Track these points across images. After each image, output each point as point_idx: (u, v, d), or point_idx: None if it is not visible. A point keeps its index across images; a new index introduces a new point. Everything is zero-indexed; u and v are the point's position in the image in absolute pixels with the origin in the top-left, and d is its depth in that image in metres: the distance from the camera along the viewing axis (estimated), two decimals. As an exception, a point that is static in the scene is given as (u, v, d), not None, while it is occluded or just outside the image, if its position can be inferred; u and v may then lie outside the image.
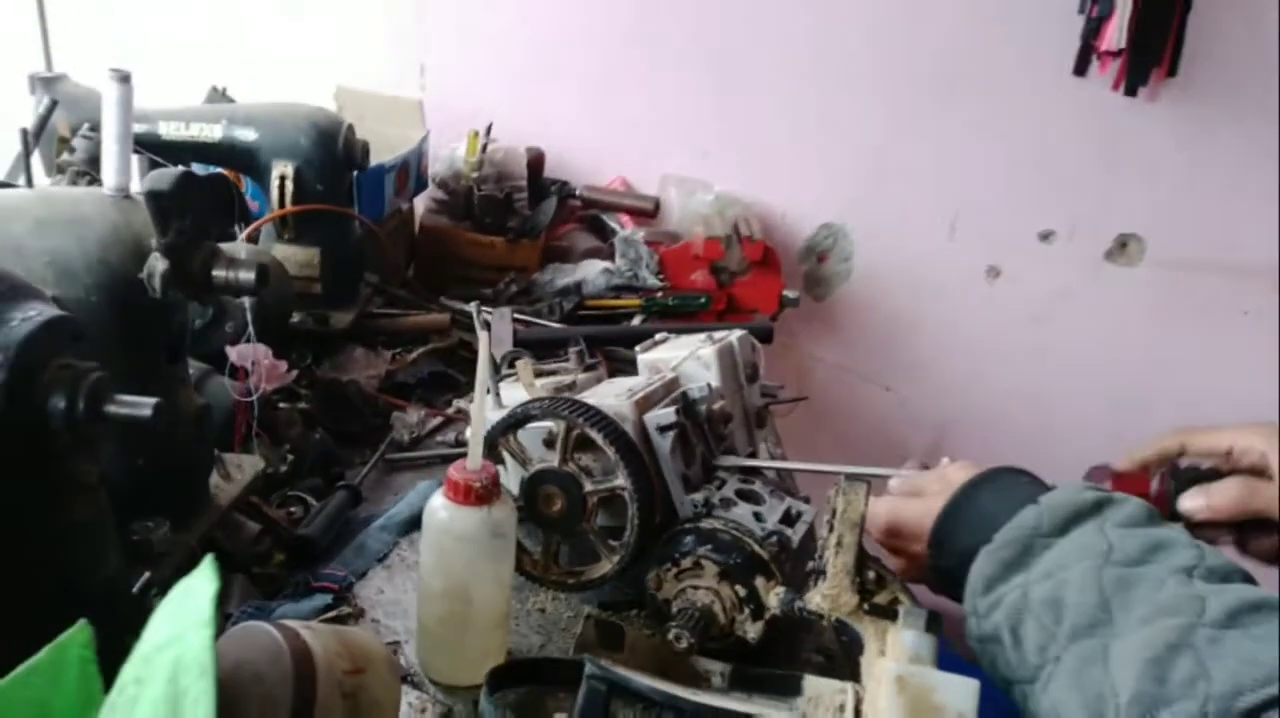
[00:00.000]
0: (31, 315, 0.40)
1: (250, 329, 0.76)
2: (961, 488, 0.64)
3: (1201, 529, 0.67)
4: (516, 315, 1.36)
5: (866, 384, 1.91)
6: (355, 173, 1.23)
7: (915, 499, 0.69)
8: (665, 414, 0.75)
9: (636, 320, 1.43)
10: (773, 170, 1.75)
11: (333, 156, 1.17)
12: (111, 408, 0.43)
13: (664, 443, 0.76)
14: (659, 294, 1.46)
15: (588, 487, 0.74)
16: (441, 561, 0.68)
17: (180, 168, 0.61)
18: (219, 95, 1.45)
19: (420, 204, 1.57)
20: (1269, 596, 0.49)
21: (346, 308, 1.23)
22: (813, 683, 0.64)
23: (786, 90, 1.70)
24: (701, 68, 1.69)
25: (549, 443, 0.77)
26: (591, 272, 1.49)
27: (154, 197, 0.60)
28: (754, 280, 1.52)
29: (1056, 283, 1.84)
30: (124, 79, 0.62)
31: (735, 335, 0.94)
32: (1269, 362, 1.88)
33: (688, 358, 0.89)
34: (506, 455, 0.77)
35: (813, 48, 1.68)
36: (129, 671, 0.37)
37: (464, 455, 0.73)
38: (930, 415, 1.93)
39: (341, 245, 1.22)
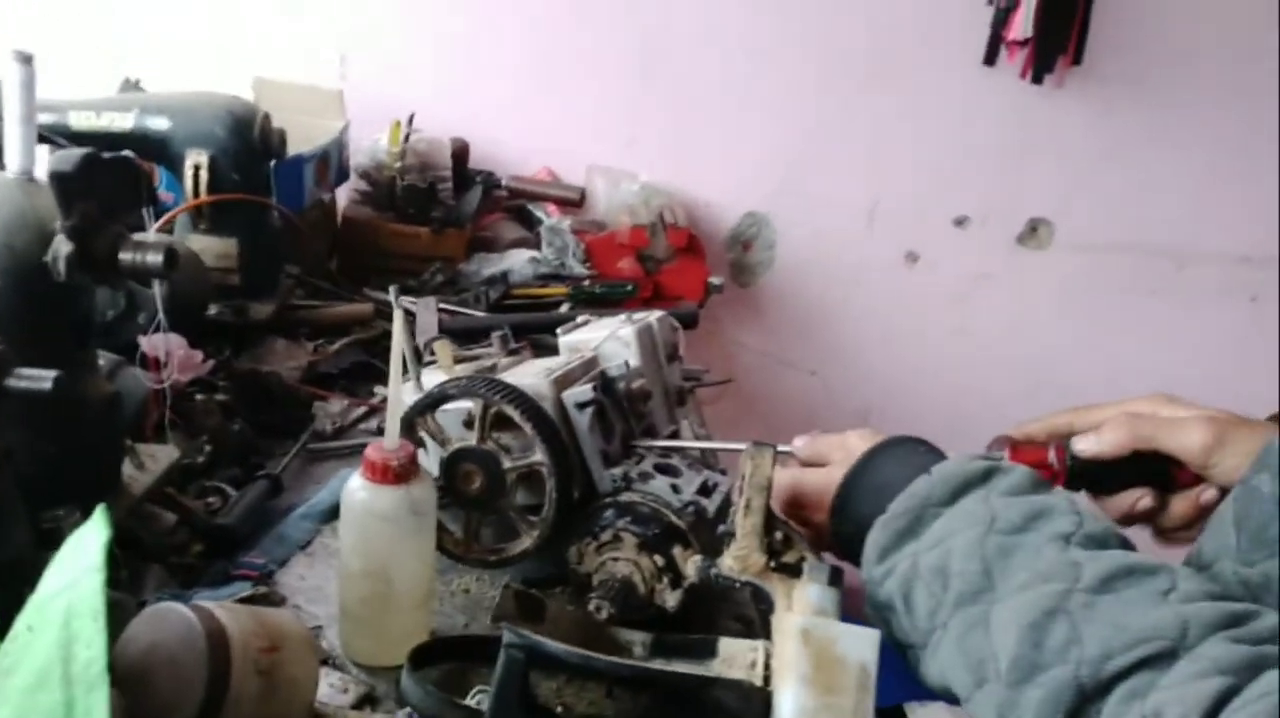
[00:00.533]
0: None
1: (161, 318, 0.75)
2: (860, 458, 0.67)
3: (1118, 493, 0.70)
4: (442, 305, 1.36)
5: (791, 369, 1.95)
6: (273, 162, 1.21)
7: (817, 469, 0.71)
8: (583, 392, 0.77)
9: (564, 309, 1.44)
10: (697, 160, 1.77)
11: (248, 145, 1.15)
12: (12, 382, 0.43)
13: (582, 420, 0.77)
14: (586, 282, 1.48)
15: (506, 464, 0.75)
16: (362, 541, 0.69)
17: (85, 149, 0.61)
18: (131, 86, 1.42)
19: (342, 195, 1.56)
20: (1142, 560, 0.53)
21: (266, 299, 1.21)
22: (727, 644, 0.66)
23: (710, 81, 1.73)
24: (626, 59, 1.71)
25: (468, 424, 0.78)
26: (518, 261, 1.49)
27: (58, 178, 0.60)
28: (680, 268, 1.54)
29: (972, 267, 1.90)
30: (26, 60, 0.61)
31: (655, 316, 0.96)
32: (1174, 338, 1.98)
33: (607, 338, 0.91)
34: (425, 437, 0.77)
35: (735, 40, 1.71)
36: (22, 619, 0.37)
37: (389, 442, 0.73)
38: (854, 399, 1.98)
39: (260, 236, 1.21)
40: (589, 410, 0.77)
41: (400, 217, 1.49)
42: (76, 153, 0.60)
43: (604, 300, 1.47)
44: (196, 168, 1.13)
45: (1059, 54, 1.69)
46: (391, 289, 0.96)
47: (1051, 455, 0.71)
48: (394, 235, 1.47)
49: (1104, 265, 1.92)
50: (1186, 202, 1.88)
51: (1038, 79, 1.69)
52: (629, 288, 1.48)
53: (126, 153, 0.68)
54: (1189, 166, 1.86)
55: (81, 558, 0.35)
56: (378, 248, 1.47)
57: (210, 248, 1.17)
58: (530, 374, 0.79)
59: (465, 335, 1.30)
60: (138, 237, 0.67)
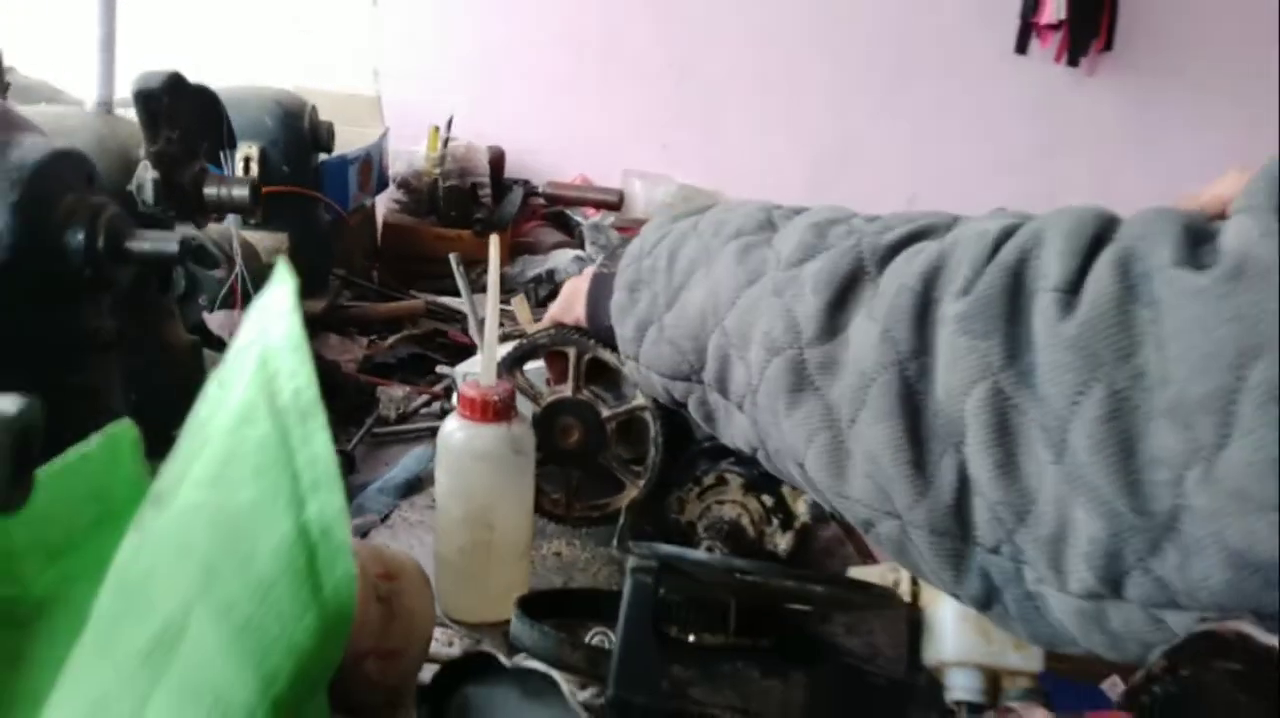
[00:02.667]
0: (38, 144, 0.37)
1: (245, 279, 0.72)
2: (611, 248, 0.66)
3: None
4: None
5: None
6: (321, 157, 1.20)
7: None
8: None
9: (612, 304, 1.42)
10: (732, 163, 1.76)
11: (299, 137, 1.14)
12: (134, 244, 0.40)
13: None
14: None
15: (605, 413, 0.72)
16: (461, 483, 0.65)
17: (170, 69, 0.58)
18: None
19: (381, 204, 1.55)
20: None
21: (318, 296, 1.19)
22: (858, 572, 0.61)
23: (742, 84, 1.73)
24: (657, 64, 1.71)
25: (548, 382, 0.75)
26: (563, 260, 1.47)
27: (143, 97, 0.57)
28: (725, 261, 1.52)
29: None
30: (107, -18, 0.59)
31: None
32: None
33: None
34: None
35: (764, 41, 1.71)
36: (210, 383, 0.33)
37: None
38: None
39: (310, 231, 1.19)
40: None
41: (442, 220, 1.47)
42: (161, 72, 0.58)
43: (652, 296, 1.45)
44: (247, 159, 1.11)
45: (1092, 38, 1.68)
46: (453, 257, 0.94)
47: None
48: (436, 239, 1.45)
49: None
50: (1225, 185, 1.86)
51: (1074, 61, 1.69)
52: (677, 282, 1.45)
53: (208, 86, 0.65)
54: (1225, 151, 1.84)
55: (269, 310, 0.32)
56: (420, 252, 1.45)
57: (262, 242, 1.15)
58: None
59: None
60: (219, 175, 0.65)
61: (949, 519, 0.38)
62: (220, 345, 0.87)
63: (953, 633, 0.53)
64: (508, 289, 1.42)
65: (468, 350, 1.22)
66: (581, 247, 1.52)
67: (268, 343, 0.31)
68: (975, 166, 1.81)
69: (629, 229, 1.52)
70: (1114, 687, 2.05)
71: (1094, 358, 0.33)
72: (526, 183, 1.66)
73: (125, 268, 0.39)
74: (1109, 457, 0.32)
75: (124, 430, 0.30)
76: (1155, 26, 1.74)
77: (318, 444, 0.29)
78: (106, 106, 0.61)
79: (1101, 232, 0.37)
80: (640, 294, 0.57)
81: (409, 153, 1.54)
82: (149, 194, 0.59)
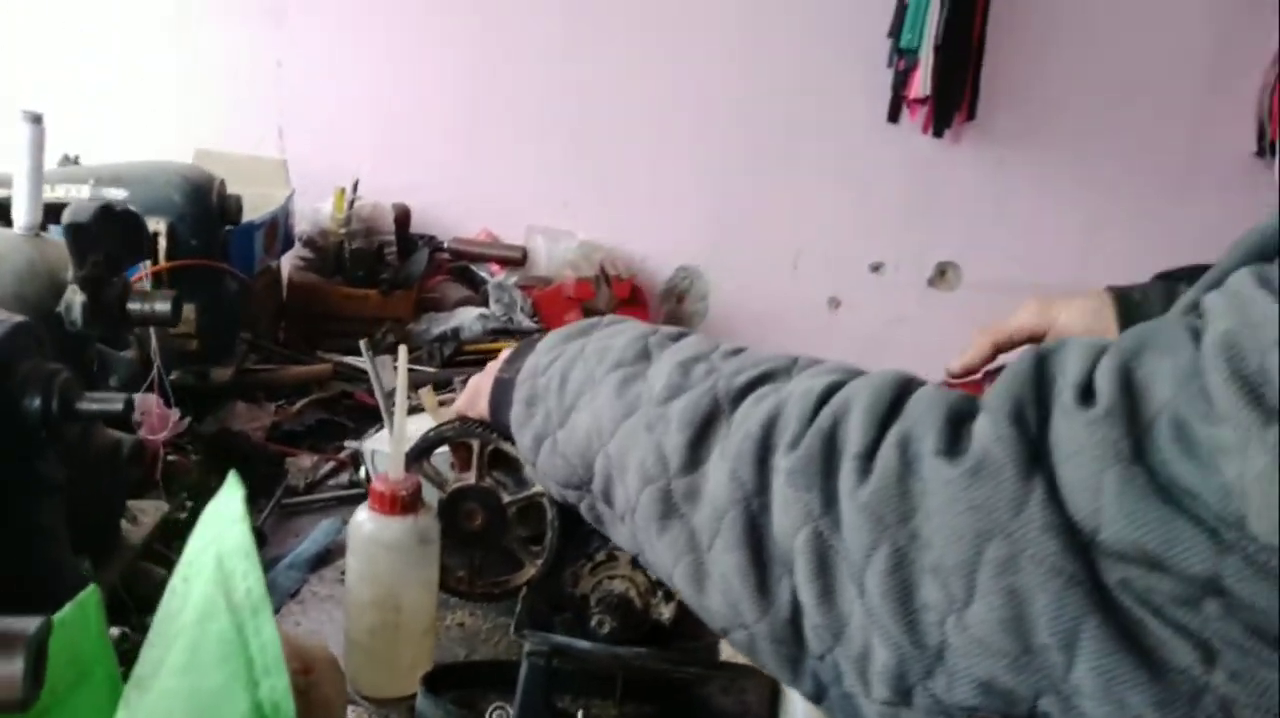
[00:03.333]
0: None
1: (156, 365, 0.77)
2: (511, 351, 0.73)
3: None
4: (396, 364, 1.39)
5: (731, 414, 2.02)
6: (228, 228, 1.24)
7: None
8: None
9: (514, 362, 1.48)
10: (631, 219, 1.86)
11: (206, 211, 1.17)
12: (84, 405, 0.45)
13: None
14: (534, 336, 1.52)
15: (506, 498, 0.79)
16: (370, 569, 0.71)
17: (99, 201, 0.63)
18: (71, 163, 1.42)
19: (286, 263, 1.58)
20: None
21: (225, 362, 1.22)
22: (726, 648, 0.70)
23: (640, 145, 1.82)
24: (559, 124, 1.79)
25: (453, 465, 0.82)
26: (467, 318, 1.53)
27: (74, 229, 0.62)
28: (623, 316, 1.60)
29: (890, 310, 2.02)
30: (36, 120, 0.64)
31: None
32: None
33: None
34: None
35: (661, 105, 1.81)
36: (176, 577, 0.39)
37: (362, 497, 0.76)
38: (791, 439, 2.06)
39: (217, 300, 1.22)
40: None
41: (348, 280, 1.52)
42: (91, 205, 0.63)
43: (553, 352, 1.52)
44: (156, 234, 1.14)
45: (955, 110, 1.84)
46: (363, 343, 1.00)
47: (986, 386, 0.80)
48: (343, 298, 1.50)
49: (1009, 303, 2.04)
50: (1077, 239, 2.05)
51: (938, 133, 1.84)
52: (576, 339, 1.53)
53: (131, 207, 0.70)
54: (1075, 207, 2.03)
55: (222, 516, 0.38)
56: (326, 311, 1.49)
57: (168, 314, 1.18)
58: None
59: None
60: (139, 287, 0.70)
61: (786, 632, 0.47)
62: (128, 426, 0.90)
63: (800, 702, 0.61)
64: (414, 348, 1.48)
65: (373, 414, 1.27)
66: (486, 304, 1.58)
67: (223, 547, 0.37)
68: (854, 225, 1.95)
69: (531, 288, 1.60)
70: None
71: (881, 520, 0.42)
72: (432, 238, 1.71)
73: (75, 425, 0.44)
74: (893, 601, 0.41)
75: (90, 595, 0.36)
76: (1013, 98, 1.91)
77: (266, 634, 0.35)
78: (34, 230, 0.66)
79: (896, 400, 0.46)
80: (536, 409, 0.64)
81: (314, 210, 1.58)
82: (77, 315, 0.63)
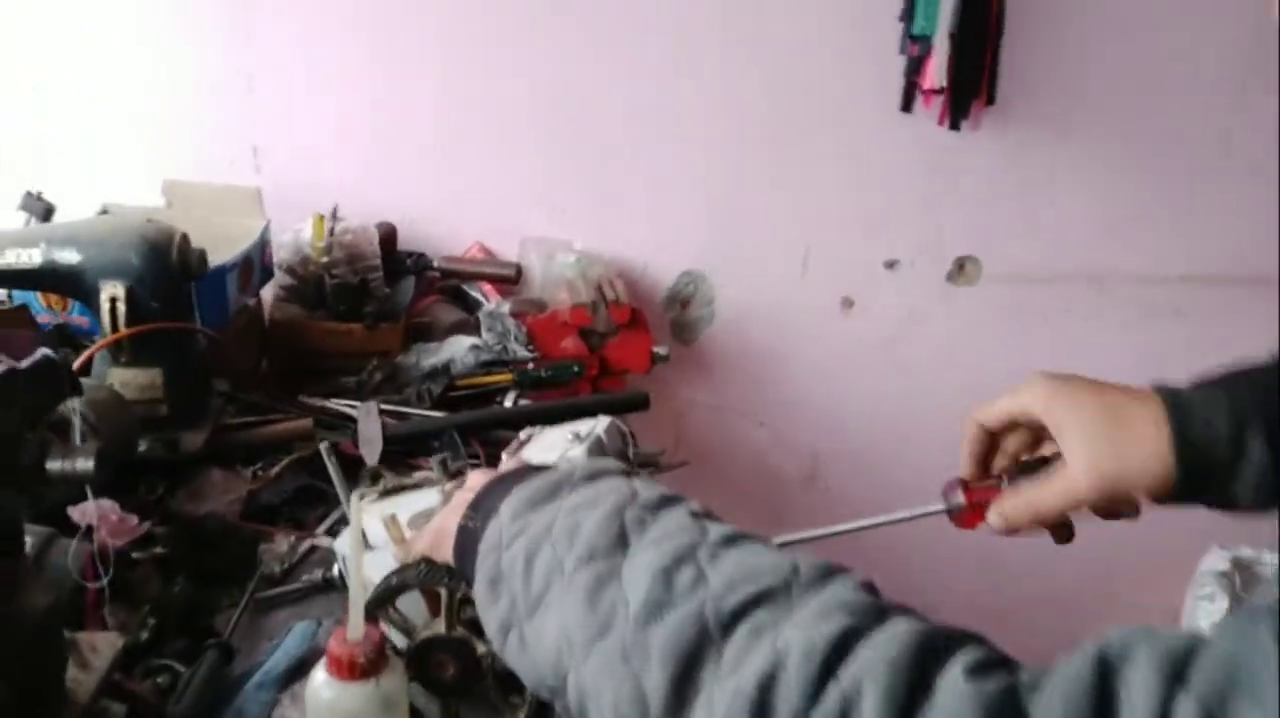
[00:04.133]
0: None
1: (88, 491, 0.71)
2: (483, 486, 0.66)
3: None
4: (384, 406, 1.32)
5: (740, 420, 1.94)
6: (194, 283, 1.16)
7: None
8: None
9: (510, 396, 1.41)
10: (629, 225, 1.76)
11: (167, 271, 1.10)
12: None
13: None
14: (530, 366, 1.45)
15: (480, 648, 0.72)
16: (331, 740, 0.65)
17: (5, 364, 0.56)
18: (34, 200, 1.35)
19: (268, 293, 1.50)
20: (757, 533, 0.56)
21: (198, 427, 1.16)
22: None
23: (636, 145, 1.72)
24: (549, 127, 1.69)
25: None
26: (459, 349, 1.45)
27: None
28: (624, 341, 1.53)
29: (905, 308, 1.92)
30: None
31: (602, 427, 0.94)
32: (1102, 358, 2.03)
33: (558, 462, 0.88)
34: (388, 627, 0.73)
35: (656, 102, 1.70)
36: None
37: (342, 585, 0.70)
38: (802, 445, 1.99)
39: (185, 361, 1.15)
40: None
41: (331, 314, 1.44)
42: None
43: (551, 383, 1.45)
44: (113, 300, 1.07)
45: (973, 98, 1.72)
46: (323, 447, 0.91)
47: (1003, 485, 0.73)
48: (326, 335, 1.42)
49: (1031, 295, 1.96)
50: (1103, 227, 1.93)
51: (954, 125, 1.72)
52: (575, 368, 1.45)
53: (45, 351, 0.63)
54: (1101, 194, 1.91)
55: None
56: (310, 349, 1.42)
57: (133, 380, 1.11)
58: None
59: (411, 440, 1.27)
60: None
61: None
62: (74, 530, 0.84)
63: None
64: (403, 385, 1.41)
65: (359, 467, 1.20)
66: (478, 330, 1.50)
67: None
68: (866, 220, 1.84)
69: (525, 314, 1.51)
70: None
71: None
72: (421, 256, 1.63)
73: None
74: None
75: None
76: (1035, 81, 1.78)
77: None
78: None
79: (919, 681, 0.39)
80: (500, 591, 0.57)
81: (296, 233, 1.50)
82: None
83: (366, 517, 0.96)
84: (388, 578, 0.71)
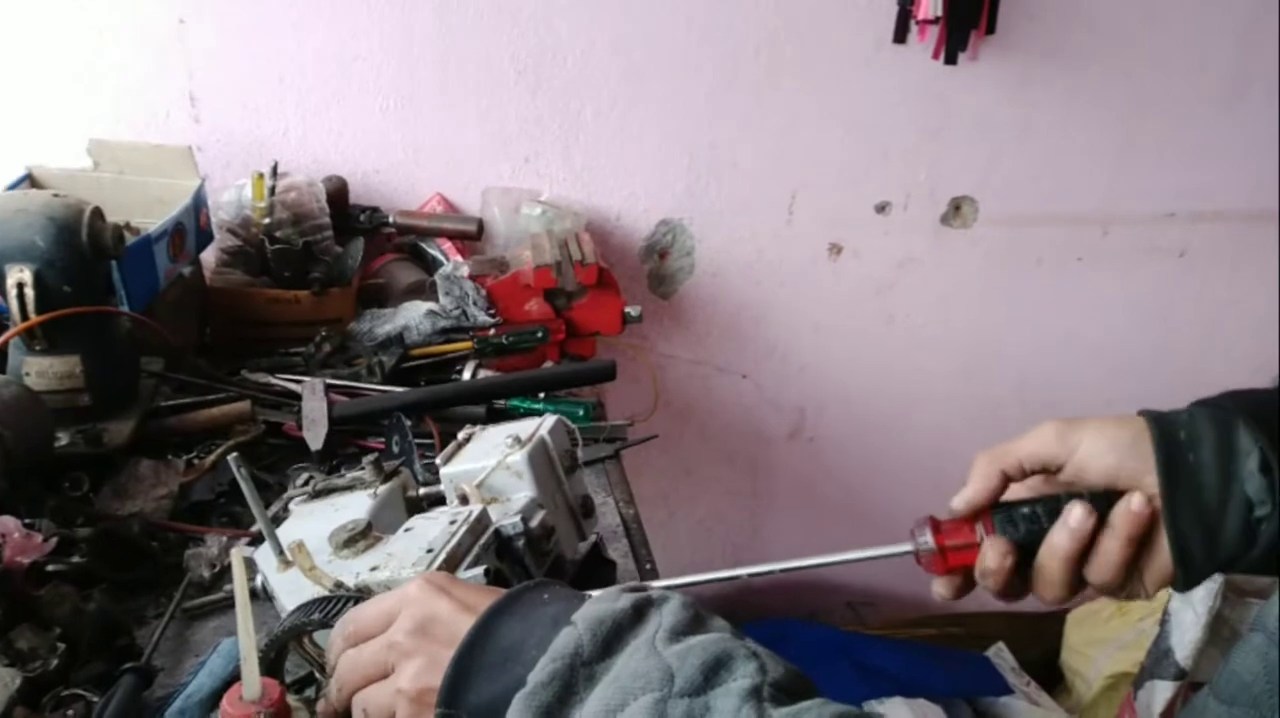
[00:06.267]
0: None
1: None
2: (470, 632, 0.52)
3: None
4: (332, 382, 1.24)
5: (723, 375, 1.86)
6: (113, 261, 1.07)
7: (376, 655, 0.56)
8: (473, 576, 0.67)
9: (470, 366, 1.33)
10: (601, 172, 1.65)
11: (77, 252, 1.00)
12: None
13: (478, 609, 0.67)
14: (491, 332, 1.36)
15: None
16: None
17: None
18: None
19: (211, 256, 1.41)
20: (845, 709, 0.47)
21: (124, 416, 1.08)
22: None
23: (606, 86, 1.59)
24: (512, 67, 1.56)
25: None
26: (414, 316, 1.37)
27: None
28: (592, 302, 1.43)
29: (897, 253, 1.82)
30: None
31: (546, 428, 0.85)
32: (1103, 301, 1.94)
33: (495, 469, 0.81)
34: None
35: (627, 39, 1.57)
36: None
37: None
38: (790, 398, 1.91)
39: (106, 345, 1.07)
40: (484, 599, 0.67)
41: (276, 281, 1.35)
42: None
43: (514, 350, 1.36)
44: (20, 286, 0.98)
45: (971, 29, 1.59)
46: (232, 459, 0.81)
47: (979, 532, 0.62)
48: (270, 303, 1.33)
49: (1030, 237, 1.86)
50: (1107, 165, 1.82)
51: (951, 59, 1.59)
52: (539, 334, 1.36)
53: None
54: (1107, 130, 1.79)
55: None
56: (253, 318, 1.33)
57: (50, 369, 1.03)
58: (413, 556, 0.69)
59: (360, 420, 1.19)
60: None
61: None
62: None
63: None
64: (353, 356, 1.32)
65: (301, 450, 1.13)
66: (436, 296, 1.41)
67: None
68: (855, 161, 1.72)
69: (485, 276, 1.42)
70: (999, 654, 2.14)
71: None
72: (375, 211, 1.53)
73: None
74: None
75: None
76: (1037, 11, 1.64)
77: None
78: None
79: None
80: None
81: (237, 190, 1.40)
82: None
83: (290, 521, 0.89)
84: (286, 622, 0.64)
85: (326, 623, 0.62)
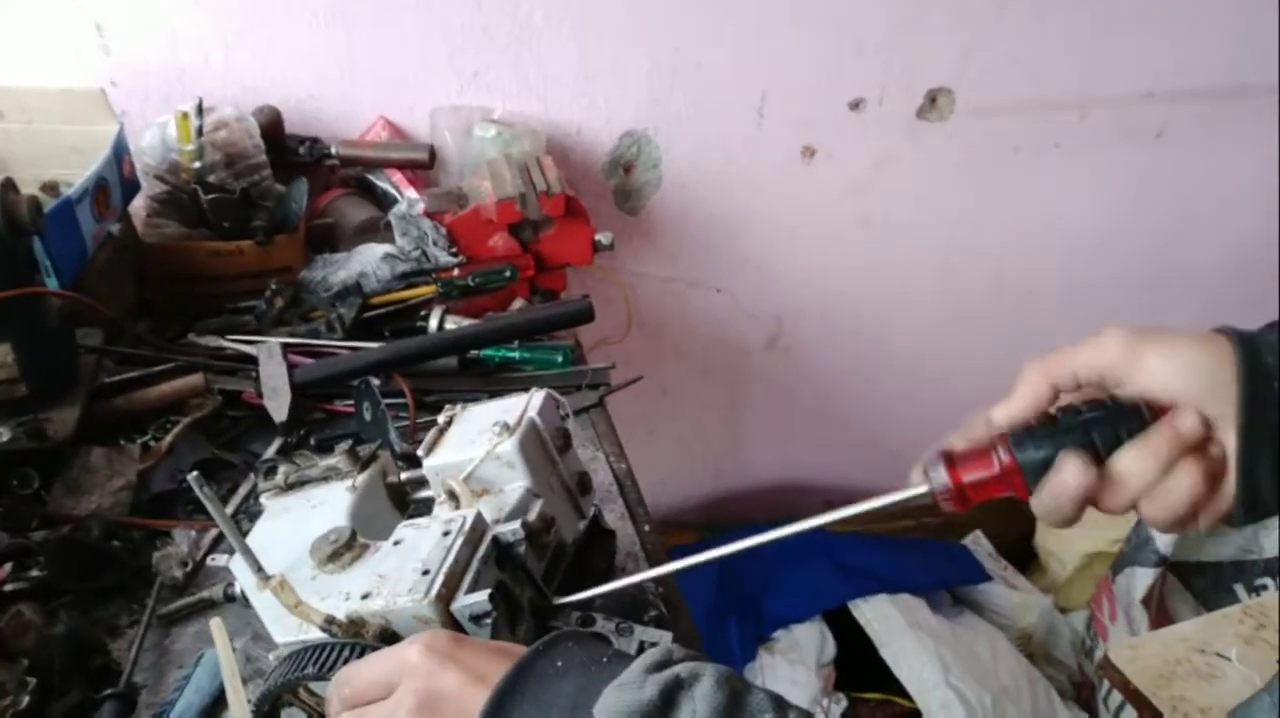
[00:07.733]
0: None
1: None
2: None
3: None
4: (289, 341, 1.16)
5: (696, 290, 1.80)
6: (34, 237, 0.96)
7: None
8: (477, 601, 0.62)
9: (436, 312, 1.24)
10: (556, 82, 1.52)
11: (-14, 231, 0.89)
12: None
13: (482, 631, 0.62)
14: (455, 273, 1.27)
15: None
16: None
17: None
18: None
19: (140, 203, 1.29)
20: None
21: (67, 402, 0.99)
22: None
23: (555, -14, 1.45)
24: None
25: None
26: (370, 260, 1.27)
27: None
28: (560, 233, 1.34)
29: (872, 152, 1.74)
30: None
31: (535, 408, 0.79)
32: (1081, 187, 1.89)
33: (484, 460, 0.75)
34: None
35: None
36: None
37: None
38: (766, 308, 1.86)
39: (38, 327, 0.97)
40: (488, 621, 0.62)
41: (215, 232, 1.24)
42: None
43: (481, 290, 1.28)
44: (-75, 273, 0.88)
45: (949, -95, 1.46)
46: (192, 478, 0.73)
47: (997, 458, 0.56)
48: (210, 256, 1.23)
49: (1007, 126, 1.79)
50: (1085, 44, 1.73)
51: (929, -60, 1.47)
52: (507, 273, 1.28)
53: None
54: (1085, 7, 1.69)
55: None
56: (193, 274, 1.23)
57: (-25, 361, 0.93)
58: (408, 580, 0.63)
59: (325, 384, 1.12)
60: None
61: None
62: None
63: None
64: (308, 310, 1.23)
65: (264, 420, 1.06)
66: (392, 237, 1.31)
67: None
68: (826, 58, 1.61)
69: (443, 213, 1.32)
70: (976, 542, 2.18)
71: None
72: (315, 142, 1.41)
73: None
74: None
75: None
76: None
77: None
78: None
79: None
80: None
81: (160, 127, 1.26)
82: None
83: (263, 520, 0.83)
84: (276, 676, 0.59)
85: (322, 677, 0.57)
